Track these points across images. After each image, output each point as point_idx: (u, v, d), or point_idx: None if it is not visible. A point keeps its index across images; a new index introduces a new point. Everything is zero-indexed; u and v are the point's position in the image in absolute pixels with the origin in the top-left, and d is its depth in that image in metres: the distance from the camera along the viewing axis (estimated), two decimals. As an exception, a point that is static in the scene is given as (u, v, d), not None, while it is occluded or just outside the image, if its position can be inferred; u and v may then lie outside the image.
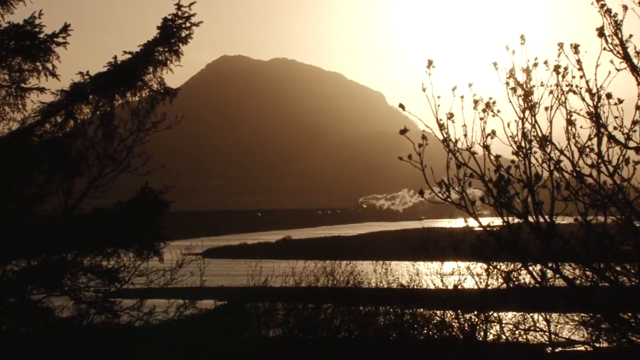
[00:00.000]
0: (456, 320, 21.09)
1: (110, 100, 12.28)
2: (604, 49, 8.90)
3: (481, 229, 9.17)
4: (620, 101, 8.81)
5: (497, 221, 9.20)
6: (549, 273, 9.20)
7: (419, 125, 9.23)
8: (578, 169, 8.80)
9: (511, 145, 8.97)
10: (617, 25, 8.89)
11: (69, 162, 11.97)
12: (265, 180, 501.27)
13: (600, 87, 8.81)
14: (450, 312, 21.23)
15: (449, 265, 21.67)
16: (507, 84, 9.04)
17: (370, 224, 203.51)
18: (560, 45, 8.96)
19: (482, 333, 20.34)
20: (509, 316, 20.60)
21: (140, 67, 12.25)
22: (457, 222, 9.74)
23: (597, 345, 11.29)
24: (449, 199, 8.90)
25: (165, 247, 12.17)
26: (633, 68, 8.90)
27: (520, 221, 8.84)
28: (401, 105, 9.11)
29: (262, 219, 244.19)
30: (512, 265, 12.64)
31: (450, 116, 8.91)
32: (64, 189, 11.88)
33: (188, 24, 12.42)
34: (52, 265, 11.60)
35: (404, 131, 8.87)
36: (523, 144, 8.92)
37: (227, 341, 13.09)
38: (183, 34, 12.42)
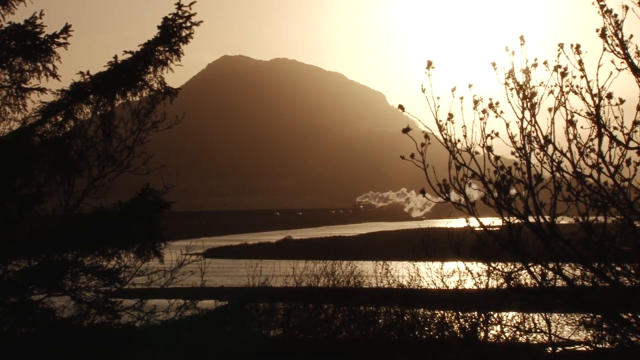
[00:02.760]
0: (456, 320, 21.06)
1: (111, 100, 12.25)
2: (605, 49, 8.88)
3: (481, 229, 9.17)
4: (622, 101, 8.80)
5: (498, 221, 9.19)
6: (550, 274, 9.19)
7: (419, 124, 9.22)
8: (579, 169, 8.79)
9: (511, 146, 8.96)
10: (618, 26, 8.88)
11: (69, 162, 11.95)
12: (265, 180, 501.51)
13: (602, 87, 8.80)
14: (451, 312, 21.21)
15: (449, 266, 21.63)
16: (507, 84, 9.03)
17: (370, 224, 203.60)
18: (561, 45, 8.95)
19: (482, 333, 20.31)
20: (509, 316, 20.58)
21: (140, 67, 12.23)
22: (457, 222, 9.74)
23: (598, 345, 11.28)
24: (449, 200, 8.89)
25: (165, 247, 12.16)
26: (633, 68, 8.89)
27: (521, 222, 8.84)
28: (401, 107, 9.09)
29: (280, 218, 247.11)
30: (513, 266, 12.61)
31: (450, 117, 8.89)
32: (65, 189, 11.85)
33: (188, 24, 12.40)
34: (52, 265, 11.58)
35: (406, 130, 8.85)
36: (523, 145, 8.91)
37: (227, 341, 13.07)
38: (183, 34, 12.40)
